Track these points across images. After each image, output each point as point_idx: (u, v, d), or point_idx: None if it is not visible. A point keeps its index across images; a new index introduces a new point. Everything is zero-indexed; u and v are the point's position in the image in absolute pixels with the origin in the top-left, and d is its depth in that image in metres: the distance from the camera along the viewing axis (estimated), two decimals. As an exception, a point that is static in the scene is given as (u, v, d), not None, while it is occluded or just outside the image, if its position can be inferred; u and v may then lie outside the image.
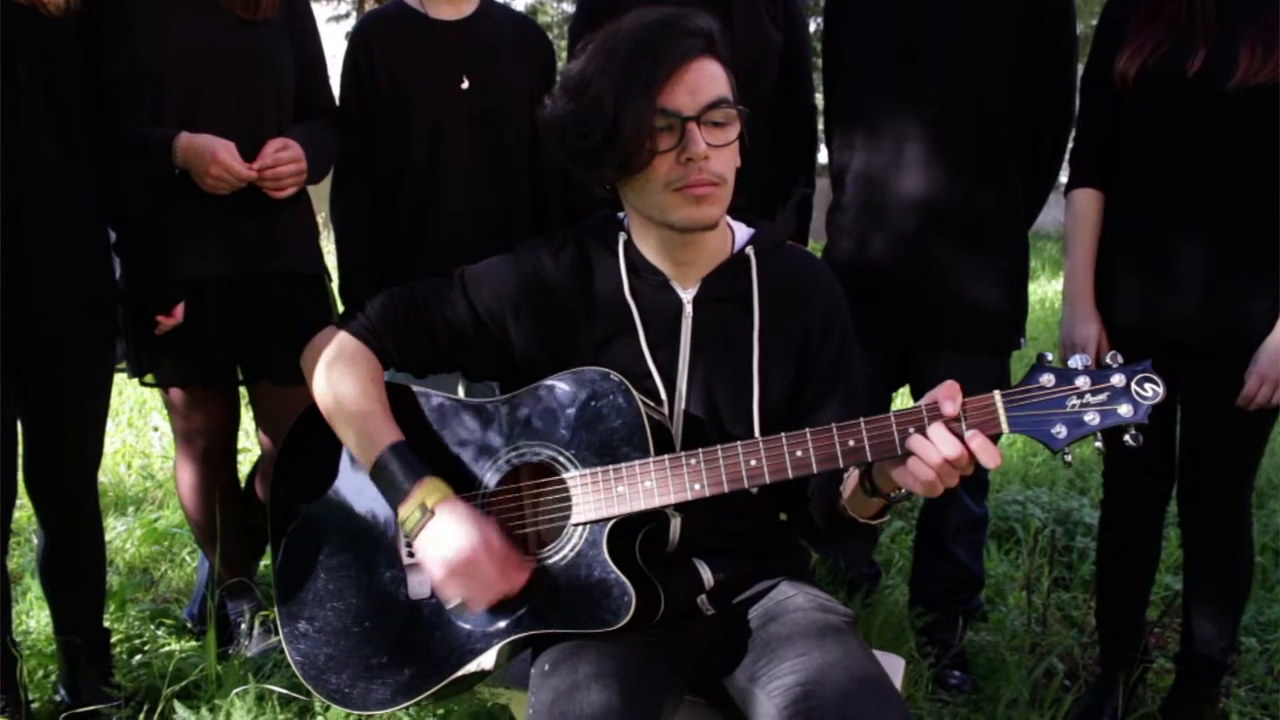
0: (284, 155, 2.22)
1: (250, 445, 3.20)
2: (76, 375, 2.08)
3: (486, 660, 1.52)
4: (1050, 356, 1.36)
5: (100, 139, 2.03)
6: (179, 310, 2.18)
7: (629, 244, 1.62)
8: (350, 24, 10.41)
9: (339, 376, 1.59)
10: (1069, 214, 2.32)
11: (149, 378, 2.35)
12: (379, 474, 1.53)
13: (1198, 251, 2.13)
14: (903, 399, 3.29)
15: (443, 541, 1.46)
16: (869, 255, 2.47)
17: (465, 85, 2.44)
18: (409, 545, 1.55)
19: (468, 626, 1.53)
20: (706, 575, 1.60)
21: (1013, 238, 2.51)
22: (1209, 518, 2.29)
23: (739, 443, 1.43)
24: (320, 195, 2.53)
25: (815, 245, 2.62)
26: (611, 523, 1.48)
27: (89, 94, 2.00)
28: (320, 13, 11.23)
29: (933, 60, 2.39)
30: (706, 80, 1.49)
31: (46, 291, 1.96)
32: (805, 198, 2.63)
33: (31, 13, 1.88)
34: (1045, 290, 8.96)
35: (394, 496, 1.51)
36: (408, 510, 1.49)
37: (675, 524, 1.57)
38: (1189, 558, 2.35)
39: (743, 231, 1.67)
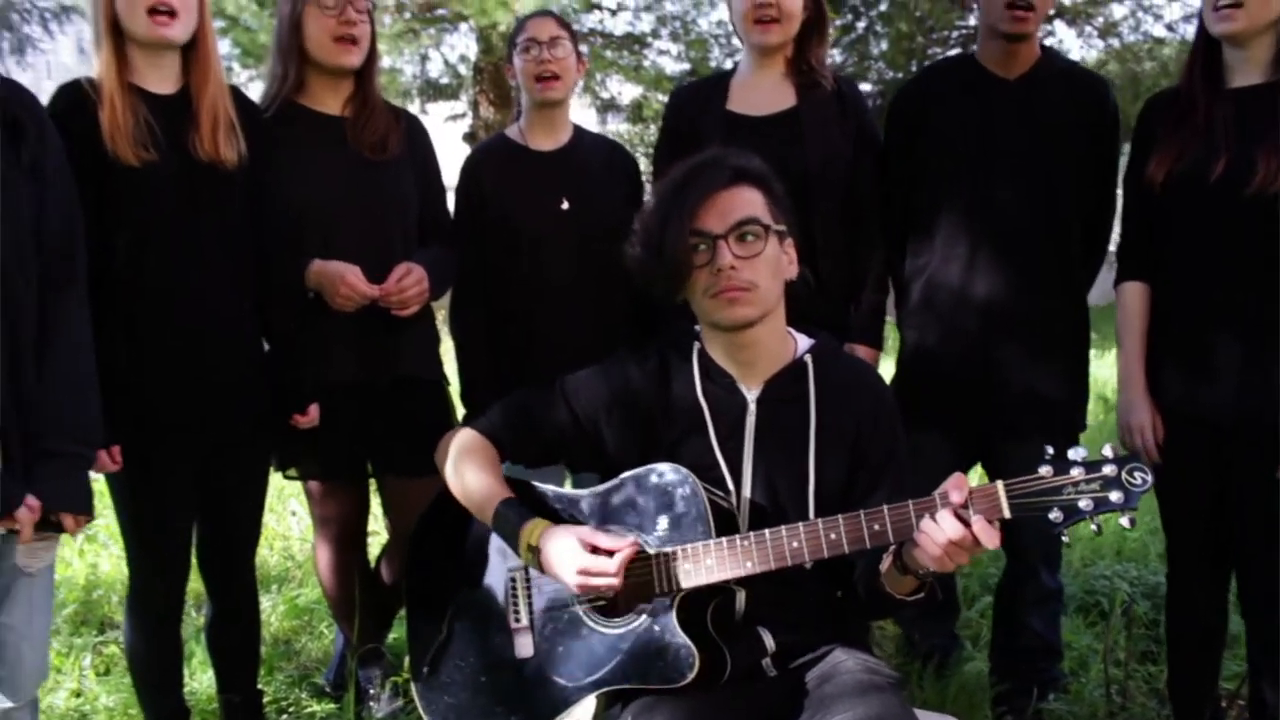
0: (408, 280, 2.49)
1: (379, 530, 3.53)
2: (241, 469, 2.43)
3: (582, 712, 1.80)
4: (1051, 451, 1.58)
5: (259, 267, 2.38)
6: (313, 411, 2.47)
7: (702, 351, 1.92)
8: (467, 123, 10.99)
9: (466, 463, 1.94)
10: (1119, 306, 2.47)
11: (291, 471, 2.65)
12: (499, 520, 1.86)
13: (1231, 340, 2.27)
14: (979, 477, 3.44)
15: (563, 541, 1.76)
16: (939, 353, 2.61)
17: (565, 207, 2.72)
18: (532, 569, 1.87)
19: (563, 681, 1.82)
20: (769, 641, 1.84)
21: (1074, 332, 2.63)
22: (1263, 591, 2.35)
23: (784, 526, 1.70)
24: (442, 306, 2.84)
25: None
26: (680, 594, 1.74)
27: (252, 231, 2.36)
28: (438, 111, 11.88)
29: (1005, 171, 2.53)
30: (736, 204, 1.81)
31: (222, 399, 2.31)
32: (878, 302, 2.75)
33: (211, 169, 2.26)
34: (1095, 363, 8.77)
35: (511, 532, 1.83)
36: (526, 533, 1.80)
37: (740, 596, 1.83)
38: (1250, 631, 2.44)
39: (804, 341, 1.94)
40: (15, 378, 1.85)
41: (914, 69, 12.39)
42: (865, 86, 12.65)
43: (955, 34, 12.23)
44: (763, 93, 2.72)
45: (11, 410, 1.84)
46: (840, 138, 2.69)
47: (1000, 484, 1.59)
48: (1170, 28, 12.99)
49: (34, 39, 22.03)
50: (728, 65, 10.98)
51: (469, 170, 2.82)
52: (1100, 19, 13.08)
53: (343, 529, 2.76)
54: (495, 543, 1.98)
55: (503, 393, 2.63)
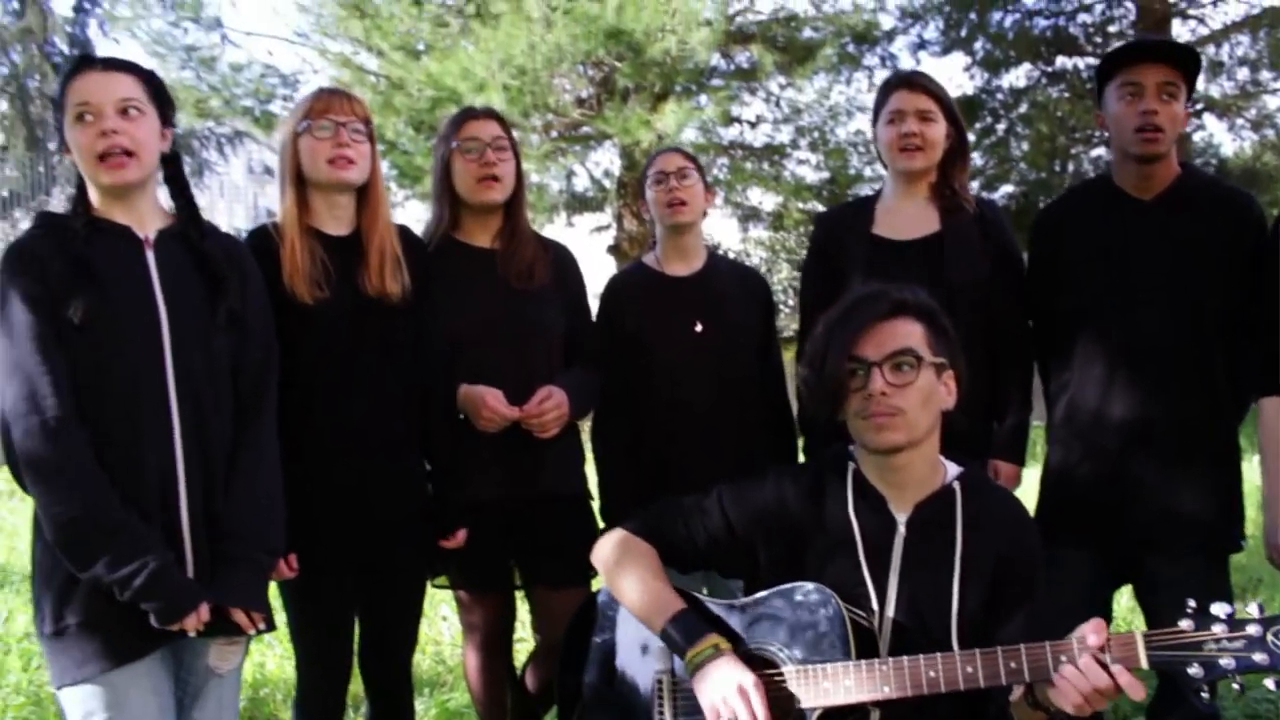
0: (548, 404, 2.63)
1: (525, 637, 3.63)
2: (400, 579, 2.58)
3: None
4: (1193, 604, 1.60)
5: (421, 391, 2.55)
6: (460, 535, 2.61)
7: (856, 471, 2.00)
8: (611, 235, 11.34)
9: (631, 566, 2.04)
10: (1261, 422, 2.44)
11: (441, 580, 2.79)
12: (674, 626, 1.93)
13: None
14: (1127, 597, 3.37)
15: (727, 673, 1.82)
16: (1081, 470, 2.59)
17: (698, 330, 2.86)
18: (689, 681, 1.91)
19: None
20: None
21: (1223, 447, 2.56)
22: None
23: (922, 655, 1.75)
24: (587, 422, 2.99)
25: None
26: (817, 712, 1.80)
27: (415, 361, 2.54)
28: (584, 224, 12.30)
29: (1143, 291, 2.51)
30: (894, 335, 1.91)
31: (384, 518, 2.47)
32: (1021, 420, 2.77)
33: (379, 303, 2.46)
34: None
35: (687, 641, 1.89)
36: (701, 648, 1.87)
37: (875, 716, 1.87)
38: None
39: (953, 469, 2.02)
40: (209, 497, 2.07)
41: (1056, 169, 12.33)
42: (1006, 188, 12.62)
43: (1098, 133, 12.11)
44: (907, 217, 2.81)
45: (202, 525, 2.05)
46: (982, 260, 2.74)
47: (1139, 634, 1.61)
48: (1328, 118, 12.62)
49: (211, 163, 23.71)
50: (866, 173, 11.22)
51: (608, 296, 3.01)
52: (1252, 110, 12.81)
53: (490, 636, 2.87)
54: (642, 644, 2.06)
55: (643, 507, 2.77)
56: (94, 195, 2.12)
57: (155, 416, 2.03)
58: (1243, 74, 12.42)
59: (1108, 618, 2.70)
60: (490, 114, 2.85)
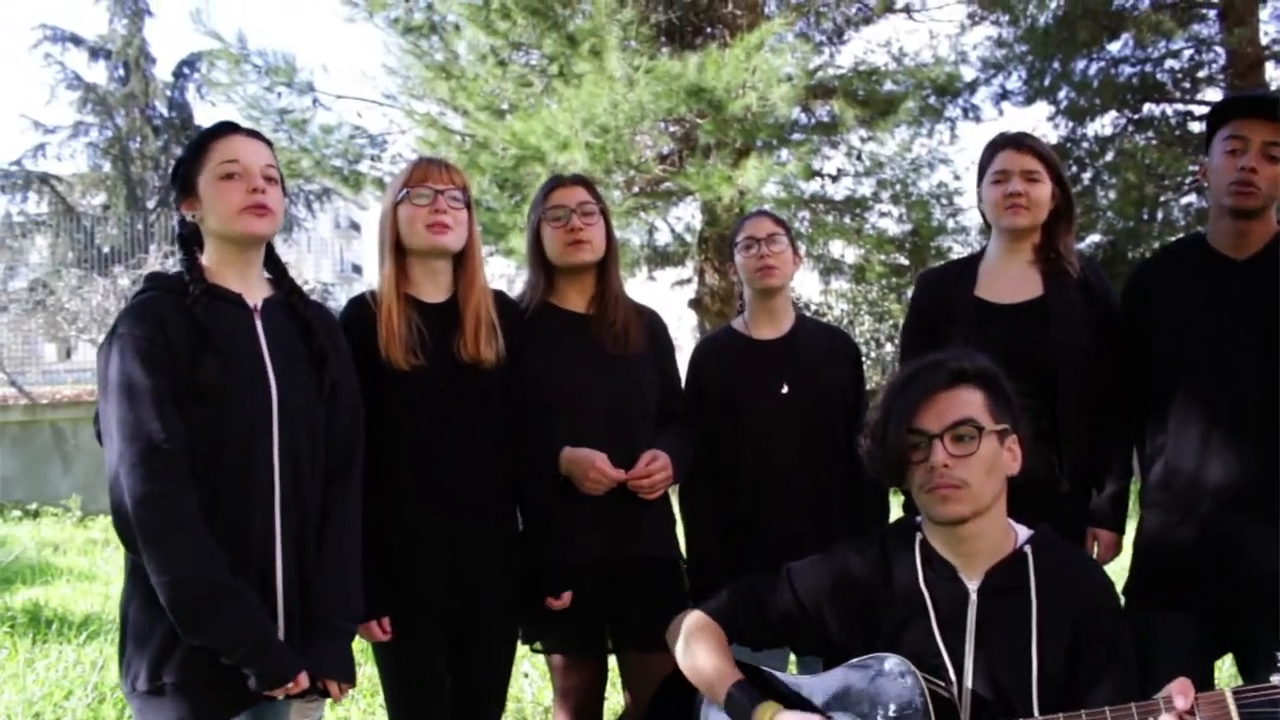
0: (655, 466, 2.68)
1: (609, 695, 3.63)
2: (493, 643, 2.62)
3: None
4: None
5: (515, 454, 2.60)
6: (567, 597, 2.64)
7: (923, 540, 1.99)
8: (693, 289, 11.39)
9: (697, 643, 2.07)
10: (1369, 485, 2.37)
11: (537, 645, 2.82)
12: (731, 700, 1.95)
13: None
14: (1228, 665, 3.26)
15: (795, 716, 1.84)
16: (1183, 534, 2.54)
17: (785, 391, 2.88)
18: None
19: None
20: None
21: None
22: None
23: None
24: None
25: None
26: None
27: (509, 424, 2.59)
28: (665, 278, 12.39)
29: (1237, 353, 2.48)
30: (954, 405, 1.91)
31: (477, 582, 2.52)
32: (1121, 488, 2.73)
33: (473, 369, 2.52)
34: None
35: (743, 712, 1.92)
36: (759, 713, 1.89)
37: None
38: None
39: (1023, 532, 1.99)
40: (301, 561, 2.13)
41: (1145, 217, 12.12)
42: (1094, 237, 12.43)
43: (1189, 179, 11.90)
44: (1010, 280, 2.81)
45: (295, 590, 2.11)
46: (1086, 325, 2.73)
47: (1229, 690, 1.58)
48: None
49: (299, 219, 24.41)
50: (949, 225, 11.15)
51: (697, 360, 3.05)
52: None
53: (583, 701, 2.87)
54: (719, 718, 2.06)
55: (730, 569, 2.77)
56: (208, 259, 2.20)
57: (260, 483, 2.10)
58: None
59: (1209, 687, 2.62)
60: (578, 181, 2.92)
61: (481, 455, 2.54)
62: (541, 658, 2.99)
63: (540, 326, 2.78)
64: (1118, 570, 2.42)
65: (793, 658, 2.75)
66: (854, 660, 1.93)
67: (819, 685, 1.97)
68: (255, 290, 2.22)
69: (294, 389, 2.16)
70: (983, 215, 2.92)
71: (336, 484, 2.24)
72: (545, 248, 2.84)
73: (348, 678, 2.18)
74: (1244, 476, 2.47)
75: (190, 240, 2.21)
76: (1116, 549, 2.74)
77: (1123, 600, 2.38)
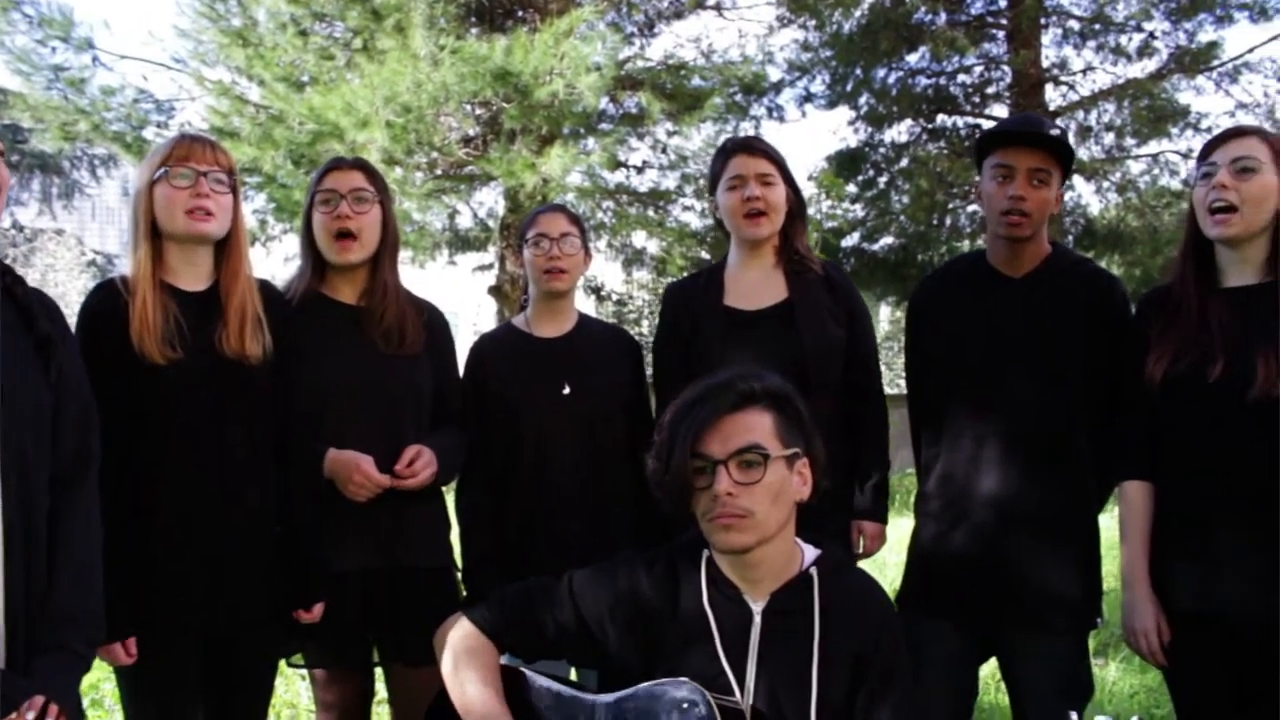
0: (419, 463, 2.54)
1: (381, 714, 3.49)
2: (250, 659, 2.43)
3: None
4: (1075, 715, 1.59)
5: (278, 455, 2.43)
6: (318, 609, 2.47)
7: (710, 560, 1.94)
8: (493, 275, 11.24)
9: (466, 670, 1.94)
10: (1121, 504, 2.45)
11: (296, 658, 2.65)
12: None
13: (1241, 540, 2.25)
14: (991, 670, 3.38)
15: None
16: (953, 543, 2.59)
17: (566, 391, 2.80)
18: None
19: None
20: None
21: (1084, 525, 2.58)
22: None
23: None
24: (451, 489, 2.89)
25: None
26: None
27: (274, 423, 2.41)
28: (466, 262, 12.18)
29: (1010, 367, 2.54)
30: (741, 429, 1.84)
31: (237, 590, 2.33)
32: (881, 479, 2.81)
33: (237, 364, 2.33)
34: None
35: None
36: None
37: None
38: None
39: (810, 552, 1.96)
40: (28, 575, 1.90)
41: (934, 223, 12.65)
42: (886, 240, 12.90)
43: (975, 190, 12.45)
44: (756, 286, 2.81)
45: (21, 607, 1.88)
46: (832, 322, 2.77)
47: None
48: (1187, 183, 13.22)
49: (82, 184, 22.87)
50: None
51: (474, 358, 2.93)
52: (1117, 174, 13.34)
53: (345, 716, 2.73)
54: None
55: (506, 574, 2.67)
56: None
57: None
58: (1109, 139, 12.91)
59: (973, 691, 2.71)
60: (358, 165, 2.73)
61: (245, 457, 2.36)
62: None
63: (308, 318, 2.61)
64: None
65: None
66: (645, 685, 1.86)
67: (607, 709, 1.89)
68: None
69: (16, 379, 1.92)
70: (719, 224, 2.91)
71: (71, 487, 2.00)
72: (315, 235, 2.67)
73: (72, 706, 1.93)
74: (1014, 488, 2.54)
75: None
76: (881, 540, 2.80)
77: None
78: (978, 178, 2.70)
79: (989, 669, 3.01)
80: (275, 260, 10.26)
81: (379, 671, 2.81)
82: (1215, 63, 12.20)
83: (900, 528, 2.83)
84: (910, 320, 2.82)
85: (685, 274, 12.93)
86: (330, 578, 2.52)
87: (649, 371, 2.97)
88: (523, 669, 2.03)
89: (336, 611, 2.53)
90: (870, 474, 2.79)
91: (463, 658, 1.96)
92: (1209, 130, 12.61)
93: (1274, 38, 15.22)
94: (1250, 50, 12.72)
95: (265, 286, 2.50)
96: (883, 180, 13.10)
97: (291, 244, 10.19)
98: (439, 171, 10.03)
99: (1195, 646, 2.34)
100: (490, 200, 11.44)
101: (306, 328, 2.58)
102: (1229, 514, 2.27)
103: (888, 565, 5.30)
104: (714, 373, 1.98)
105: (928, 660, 2.50)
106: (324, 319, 2.65)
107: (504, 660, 2.03)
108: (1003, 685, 3.92)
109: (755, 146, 2.81)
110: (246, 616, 2.37)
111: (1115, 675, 4.49)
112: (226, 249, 2.39)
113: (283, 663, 2.65)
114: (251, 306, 2.38)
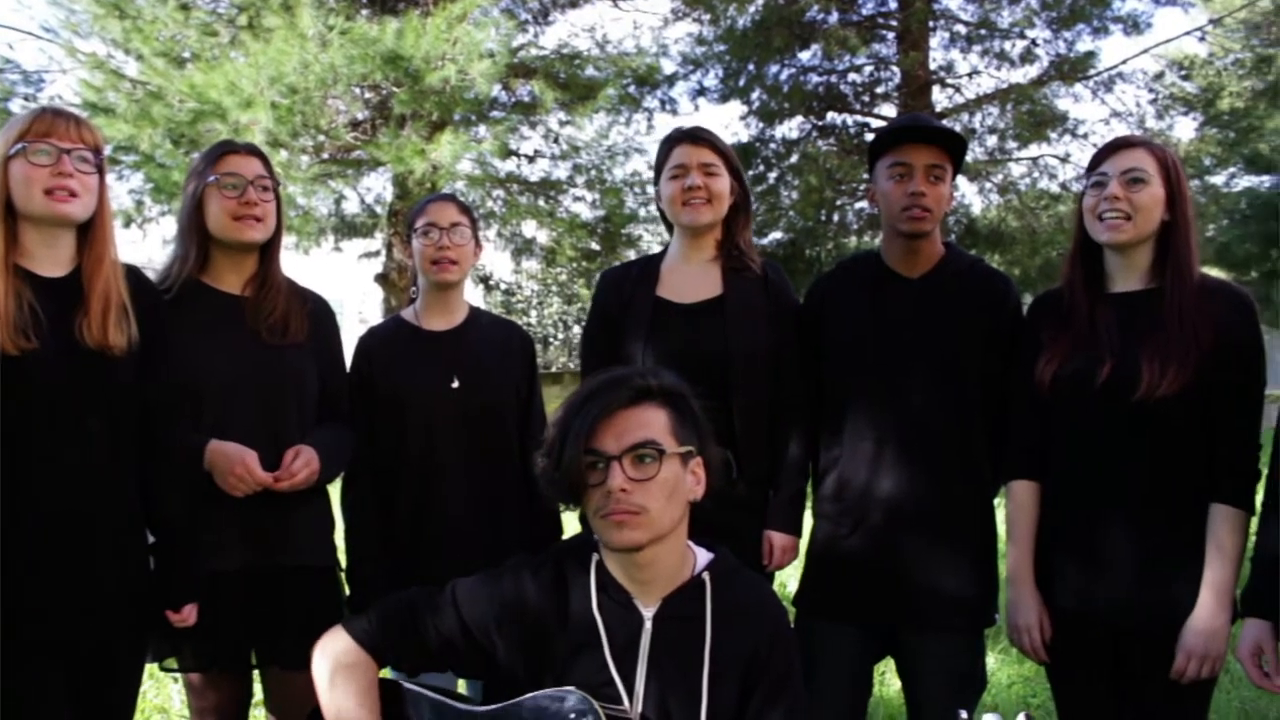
0: (297, 464, 2.44)
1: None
2: (117, 664, 2.28)
3: None
4: (965, 714, 1.57)
5: (146, 449, 2.29)
6: (188, 611, 2.35)
7: (600, 564, 1.88)
8: (380, 263, 11.02)
9: (341, 689, 1.86)
10: (1009, 503, 2.48)
11: (170, 662, 2.51)
12: None
13: (1124, 541, 2.29)
14: (887, 667, 3.40)
15: None
16: (850, 544, 2.58)
17: (455, 385, 2.74)
18: None
19: None
20: None
21: (982, 525, 2.59)
22: None
23: None
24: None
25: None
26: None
27: (142, 416, 2.28)
28: (352, 249, 11.91)
29: (906, 368, 2.54)
30: (635, 425, 1.80)
31: (102, 592, 2.20)
32: (797, 490, 2.73)
33: (99, 355, 2.18)
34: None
35: None
36: None
37: None
38: None
39: (703, 557, 1.92)
40: None
41: (823, 219, 12.83)
42: (775, 235, 13.03)
43: (862, 187, 12.66)
44: (691, 279, 2.76)
45: None
46: (765, 326, 2.71)
47: None
48: (1065, 186, 13.67)
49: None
50: (641, 213, 11.35)
51: (361, 350, 2.84)
52: (999, 176, 13.70)
53: (220, 721, 2.63)
54: None
55: (392, 574, 2.62)
56: None
57: None
58: (992, 141, 13.28)
59: (868, 690, 2.72)
60: (254, 151, 2.63)
61: (111, 454, 2.22)
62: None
63: (187, 307, 2.49)
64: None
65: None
66: (531, 695, 1.80)
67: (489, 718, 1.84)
68: None
69: None
70: (662, 214, 2.87)
71: None
72: (209, 219, 2.54)
73: None
74: (912, 490, 2.54)
75: None
76: (793, 554, 2.74)
77: (792, 611, 2.41)
78: (866, 177, 2.70)
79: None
80: (153, 243, 9.89)
81: (257, 674, 2.68)
82: (1092, 72, 12.65)
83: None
84: (806, 320, 2.78)
85: (574, 265, 12.96)
86: (208, 577, 2.41)
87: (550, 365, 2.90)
88: (401, 682, 1.96)
89: (214, 613, 2.42)
90: (787, 485, 2.73)
91: (338, 675, 1.88)
92: (1085, 136, 13.08)
93: (1145, 50, 15.84)
94: (1124, 61, 13.25)
95: (133, 273, 2.36)
96: (773, 176, 13.23)
97: (170, 226, 9.83)
98: (325, 155, 9.80)
99: (1076, 644, 2.39)
100: (378, 186, 11.25)
101: (185, 317, 2.46)
102: (1113, 515, 2.31)
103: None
104: (610, 369, 1.94)
105: (824, 661, 2.51)
106: (204, 308, 2.53)
107: (386, 674, 1.96)
108: (885, 678, 4.05)
109: (700, 136, 2.75)
110: (112, 620, 2.24)
111: (994, 665, 4.59)
112: (90, 233, 2.24)
113: (154, 666, 2.52)
114: (116, 294, 2.23)
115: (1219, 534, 2.24)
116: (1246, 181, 19.69)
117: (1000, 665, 4.63)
